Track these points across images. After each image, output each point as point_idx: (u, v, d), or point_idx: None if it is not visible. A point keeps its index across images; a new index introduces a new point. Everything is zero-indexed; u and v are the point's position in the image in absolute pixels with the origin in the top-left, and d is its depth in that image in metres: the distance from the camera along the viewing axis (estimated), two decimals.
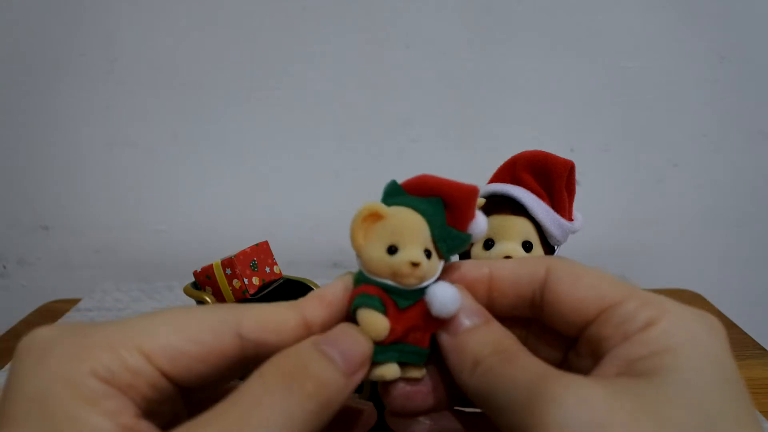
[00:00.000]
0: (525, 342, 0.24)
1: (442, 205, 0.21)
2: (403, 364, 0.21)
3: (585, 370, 0.19)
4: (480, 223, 0.22)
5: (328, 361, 0.18)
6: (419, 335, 0.21)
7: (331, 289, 0.21)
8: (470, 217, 0.21)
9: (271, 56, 0.64)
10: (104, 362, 0.17)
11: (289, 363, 0.18)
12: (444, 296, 0.20)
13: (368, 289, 0.20)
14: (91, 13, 0.62)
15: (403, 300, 0.20)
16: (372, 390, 0.33)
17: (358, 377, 0.19)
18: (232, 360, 0.19)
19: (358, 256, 0.21)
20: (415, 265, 0.20)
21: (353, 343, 0.19)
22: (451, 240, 0.21)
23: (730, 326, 0.57)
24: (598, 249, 0.72)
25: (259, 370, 0.18)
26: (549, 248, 0.30)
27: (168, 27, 0.63)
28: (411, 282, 0.20)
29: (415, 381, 0.22)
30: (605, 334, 0.19)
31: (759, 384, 0.47)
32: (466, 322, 0.21)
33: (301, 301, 0.21)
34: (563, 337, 0.22)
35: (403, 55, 0.65)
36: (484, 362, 0.19)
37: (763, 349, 0.52)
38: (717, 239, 0.73)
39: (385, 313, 0.20)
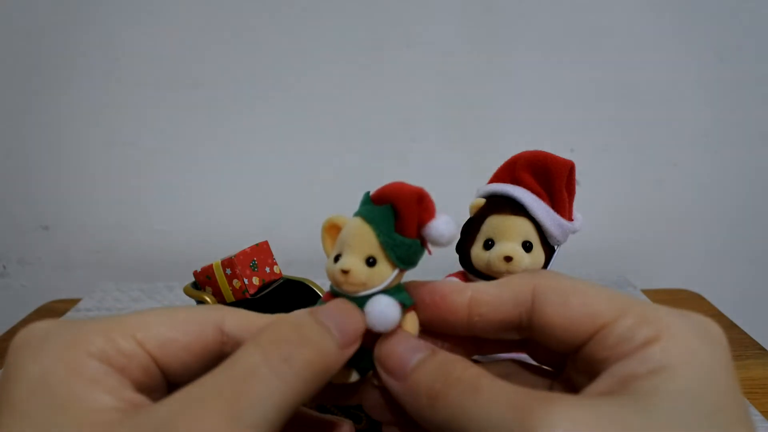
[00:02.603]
0: (525, 350, 0.23)
1: (391, 212, 0.21)
2: (367, 370, 0.22)
3: (584, 385, 0.19)
4: (436, 227, 0.20)
5: (325, 330, 0.19)
6: (370, 340, 0.21)
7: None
8: (413, 221, 0.21)
9: (271, 56, 0.64)
10: (99, 346, 0.18)
11: (286, 328, 0.18)
12: (377, 313, 0.20)
13: (326, 296, 0.22)
14: (91, 13, 0.62)
15: None
16: None
17: (351, 351, 0.20)
18: (213, 352, 0.20)
19: None
20: (345, 272, 0.20)
21: (348, 317, 0.20)
22: (397, 247, 0.21)
23: (730, 326, 0.57)
24: (598, 249, 0.72)
25: (254, 338, 0.18)
26: (549, 248, 0.30)
27: (168, 27, 0.63)
28: (348, 289, 0.21)
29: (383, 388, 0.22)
30: (601, 356, 0.18)
31: (759, 384, 0.47)
32: (411, 361, 0.20)
33: (283, 315, 0.21)
34: (560, 354, 0.21)
35: (403, 55, 0.65)
36: (443, 395, 0.18)
37: (762, 349, 0.52)
38: (717, 239, 0.73)
39: None
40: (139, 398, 0.18)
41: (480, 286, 0.21)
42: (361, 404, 0.24)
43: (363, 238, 0.21)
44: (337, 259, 0.21)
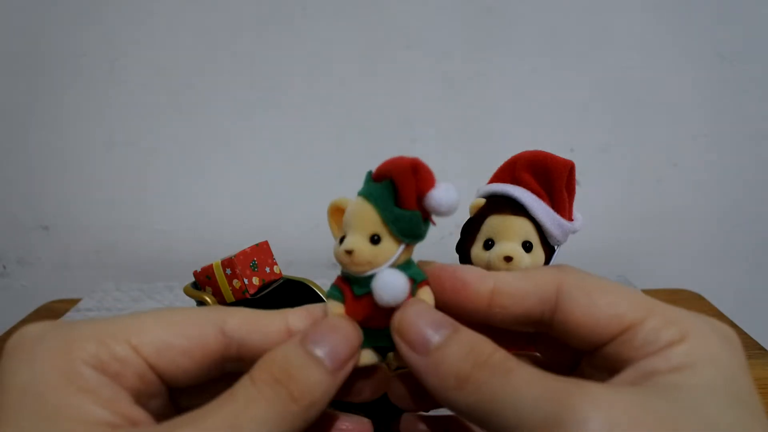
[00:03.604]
0: (534, 347, 0.23)
1: (391, 187, 0.20)
2: (385, 351, 0.21)
3: (600, 379, 0.19)
4: (435, 196, 0.20)
5: (313, 363, 0.19)
6: (384, 319, 0.21)
7: (320, 306, 0.22)
8: (411, 193, 0.20)
9: (271, 56, 0.64)
10: (92, 351, 0.17)
11: (275, 367, 0.18)
12: (381, 285, 0.20)
13: (336, 280, 0.22)
14: (91, 13, 0.62)
15: (359, 287, 0.21)
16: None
17: (347, 371, 0.20)
18: (214, 357, 0.20)
19: None
20: (348, 252, 0.20)
21: (341, 338, 0.20)
22: (398, 221, 0.20)
23: (729, 326, 0.57)
24: (598, 249, 0.72)
25: (249, 373, 0.18)
26: (549, 248, 0.30)
27: (168, 27, 0.63)
28: (355, 269, 0.20)
29: (407, 376, 0.22)
30: (627, 356, 0.18)
31: (759, 384, 0.47)
32: (434, 337, 0.19)
33: (288, 310, 0.21)
34: (574, 350, 0.21)
35: (403, 55, 0.65)
36: (473, 378, 0.18)
37: (763, 349, 0.52)
38: (717, 239, 0.73)
39: (343, 301, 0.21)
40: (137, 412, 0.18)
41: (503, 277, 0.21)
42: (362, 404, 0.24)
43: (365, 216, 0.20)
44: (342, 241, 0.21)
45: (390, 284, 0.20)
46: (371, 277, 0.20)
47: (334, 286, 0.21)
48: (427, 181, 0.20)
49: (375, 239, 0.20)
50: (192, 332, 0.19)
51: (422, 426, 0.22)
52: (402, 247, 0.21)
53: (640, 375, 0.17)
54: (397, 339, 0.20)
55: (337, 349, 0.19)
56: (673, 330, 0.18)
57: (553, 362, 0.23)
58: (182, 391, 0.20)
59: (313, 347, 0.19)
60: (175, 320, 0.19)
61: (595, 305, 0.19)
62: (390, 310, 0.20)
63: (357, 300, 0.21)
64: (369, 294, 0.20)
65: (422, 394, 0.22)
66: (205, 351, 0.19)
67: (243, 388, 0.18)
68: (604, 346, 0.19)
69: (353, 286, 0.21)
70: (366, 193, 0.21)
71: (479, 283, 0.21)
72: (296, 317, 0.21)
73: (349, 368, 0.20)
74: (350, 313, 0.21)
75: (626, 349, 0.18)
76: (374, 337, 0.21)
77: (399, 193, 0.20)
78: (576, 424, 0.15)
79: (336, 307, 0.21)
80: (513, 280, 0.21)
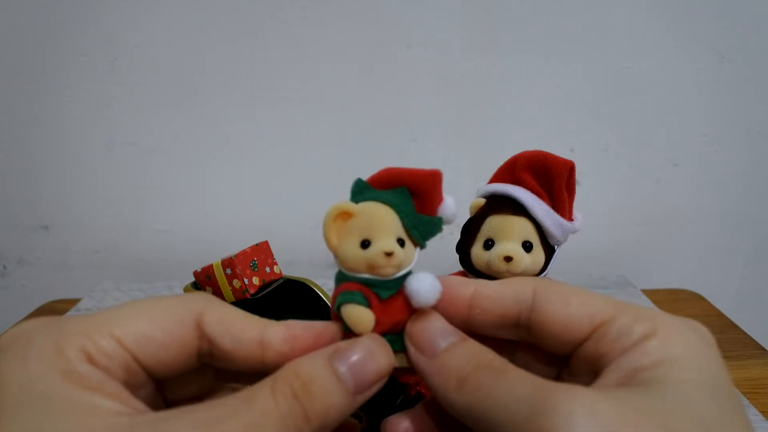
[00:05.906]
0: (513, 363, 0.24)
1: (408, 194, 0.21)
2: (395, 352, 0.22)
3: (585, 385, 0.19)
4: (449, 205, 0.22)
5: (335, 384, 0.19)
6: (405, 322, 0.22)
7: (303, 325, 0.21)
8: (437, 201, 0.22)
9: (271, 56, 0.64)
10: (81, 347, 0.18)
11: (297, 381, 0.18)
12: (424, 288, 0.20)
13: (348, 286, 0.21)
14: (91, 13, 0.62)
15: (384, 291, 0.21)
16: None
17: (366, 396, 0.20)
18: (191, 350, 0.20)
19: (335, 256, 0.22)
20: (388, 254, 0.20)
21: (371, 364, 0.20)
22: (422, 226, 0.22)
23: (730, 326, 0.57)
24: (598, 249, 0.72)
25: (273, 380, 0.18)
26: (549, 248, 0.30)
27: (168, 27, 0.63)
28: (388, 272, 0.21)
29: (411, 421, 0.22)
30: (602, 351, 0.19)
31: (759, 384, 0.47)
32: (442, 343, 0.20)
33: (271, 322, 0.21)
34: (553, 357, 0.22)
35: (403, 55, 0.65)
36: (471, 378, 0.19)
37: (763, 349, 0.52)
38: (717, 239, 0.73)
39: (369, 306, 0.21)
40: (139, 403, 0.18)
41: (483, 282, 0.22)
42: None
43: (389, 222, 0.21)
44: (365, 244, 0.21)
45: (434, 289, 0.21)
46: (397, 279, 0.21)
47: (355, 292, 0.21)
48: (441, 193, 0.22)
49: (400, 243, 0.21)
50: (170, 326, 0.19)
51: (405, 423, 0.23)
52: (419, 250, 0.22)
53: (623, 375, 0.18)
54: (408, 343, 0.21)
55: (366, 375, 0.19)
56: (645, 325, 0.19)
57: (536, 369, 0.24)
58: (167, 382, 0.21)
59: (340, 366, 0.19)
60: (153, 312, 0.19)
61: (569, 303, 0.20)
62: (413, 312, 0.21)
63: (384, 304, 0.21)
64: (395, 296, 0.21)
65: (446, 423, 0.22)
66: (182, 344, 0.19)
67: (262, 396, 0.18)
68: (580, 346, 0.20)
69: (377, 290, 0.21)
70: (384, 200, 0.21)
71: (461, 287, 0.22)
72: (275, 333, 0.20)
73: (368, 395, 0.20)
74: (380, 317, 0.21)
75: (601, 344, 0.19)
76: (395, 341, 0.21)
77: (422, 201, 0.22)
78: (559, 417, 0.16)
79: (365, 314, 0.20)
80: (492, 284, 0.22)
